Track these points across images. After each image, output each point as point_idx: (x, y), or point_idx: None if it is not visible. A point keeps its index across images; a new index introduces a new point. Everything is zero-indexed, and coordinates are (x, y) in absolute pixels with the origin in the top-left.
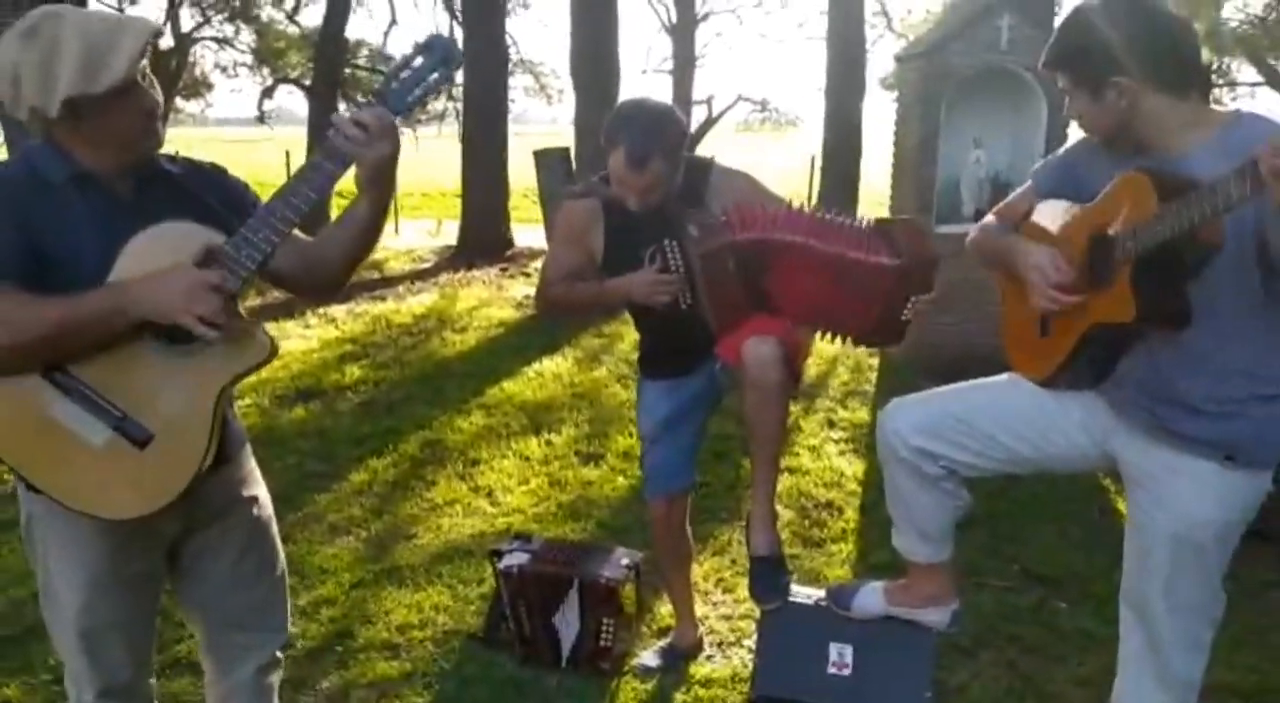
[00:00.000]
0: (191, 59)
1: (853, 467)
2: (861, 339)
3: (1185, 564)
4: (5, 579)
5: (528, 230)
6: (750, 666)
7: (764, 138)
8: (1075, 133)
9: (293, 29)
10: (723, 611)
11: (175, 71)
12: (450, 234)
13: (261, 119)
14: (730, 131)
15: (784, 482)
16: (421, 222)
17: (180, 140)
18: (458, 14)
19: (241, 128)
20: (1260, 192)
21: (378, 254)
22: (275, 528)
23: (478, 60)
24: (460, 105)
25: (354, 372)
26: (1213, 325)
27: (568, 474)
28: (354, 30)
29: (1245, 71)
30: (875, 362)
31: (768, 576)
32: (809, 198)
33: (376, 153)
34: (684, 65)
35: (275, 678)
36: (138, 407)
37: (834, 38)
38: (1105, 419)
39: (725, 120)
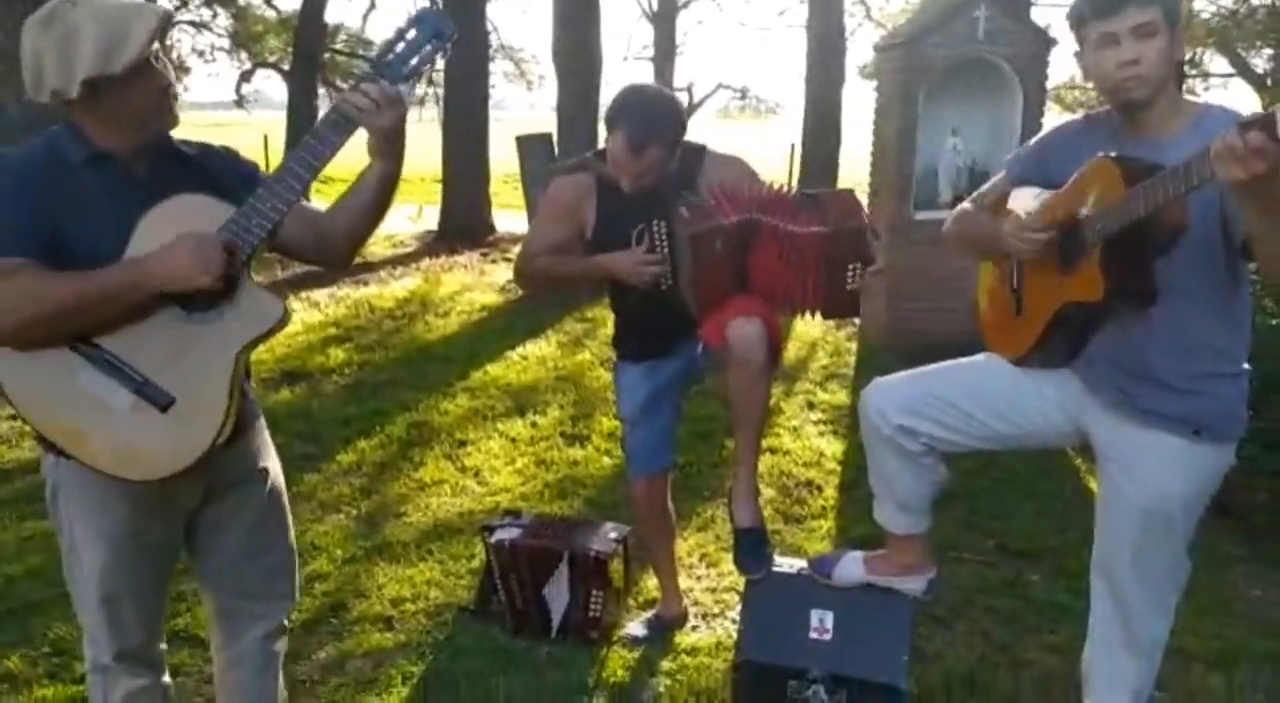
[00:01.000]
0: (169, 43)
1: (832, 447)
2: (816, 311)
3: (1154, 535)
4: None
5: (509, 216)
6: (734, 635)
7: (744, 125)
8: (1049, 122)
9: (270, 13)
10: (707, 584)
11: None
12: (431, 219)
13: (240, 103)
14: (711, 118)
15: (765, 461)
16: (402, 207)
17: None
18: None
19: (217, 112)
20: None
21: None
22: (286, 499)
23: (458, 46)
24: (440, 91)
25: (338, 355)
26: (1182, 304)
27: (554, 454)
28: (333, 14)
29: (1217, 62)
30: (854, 346)
31: (752, 547)
32: (789, 185)
33: (385, 120)
34: (665, 53)
35: (281, 645)
36: (159, 371)
37: (814, 25)
38: (1078, 397)
39: (706, 108)
